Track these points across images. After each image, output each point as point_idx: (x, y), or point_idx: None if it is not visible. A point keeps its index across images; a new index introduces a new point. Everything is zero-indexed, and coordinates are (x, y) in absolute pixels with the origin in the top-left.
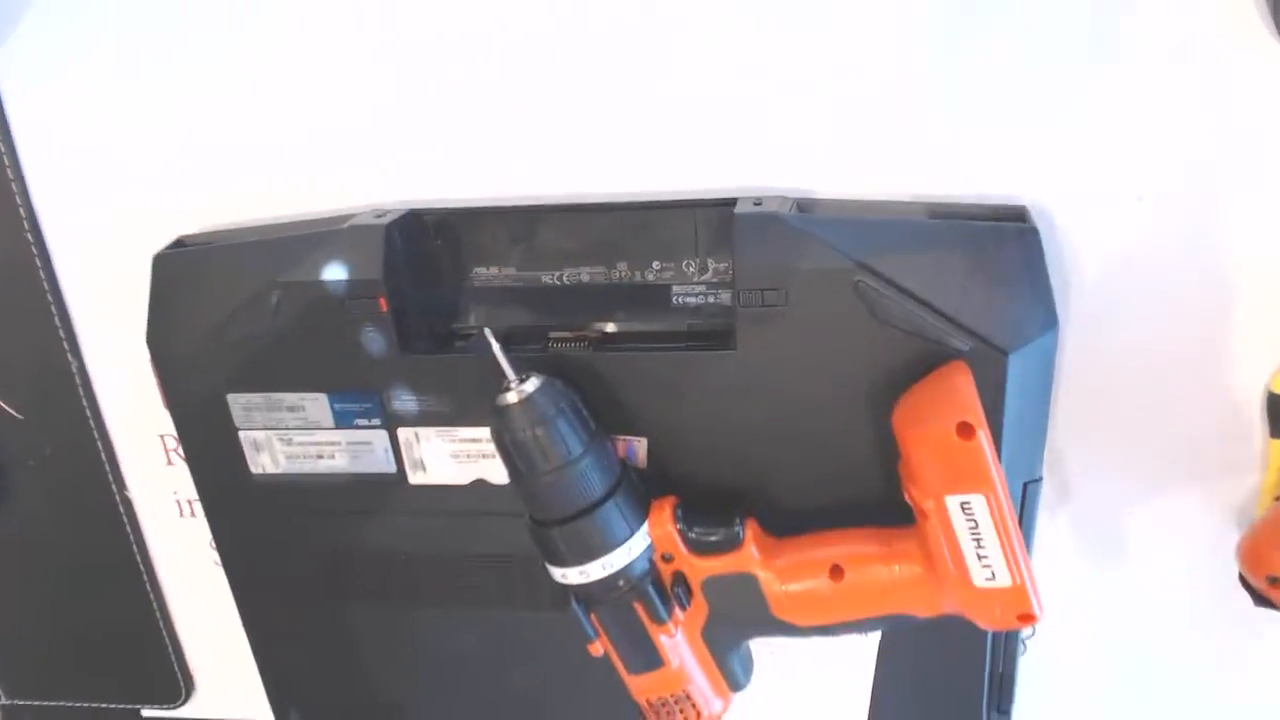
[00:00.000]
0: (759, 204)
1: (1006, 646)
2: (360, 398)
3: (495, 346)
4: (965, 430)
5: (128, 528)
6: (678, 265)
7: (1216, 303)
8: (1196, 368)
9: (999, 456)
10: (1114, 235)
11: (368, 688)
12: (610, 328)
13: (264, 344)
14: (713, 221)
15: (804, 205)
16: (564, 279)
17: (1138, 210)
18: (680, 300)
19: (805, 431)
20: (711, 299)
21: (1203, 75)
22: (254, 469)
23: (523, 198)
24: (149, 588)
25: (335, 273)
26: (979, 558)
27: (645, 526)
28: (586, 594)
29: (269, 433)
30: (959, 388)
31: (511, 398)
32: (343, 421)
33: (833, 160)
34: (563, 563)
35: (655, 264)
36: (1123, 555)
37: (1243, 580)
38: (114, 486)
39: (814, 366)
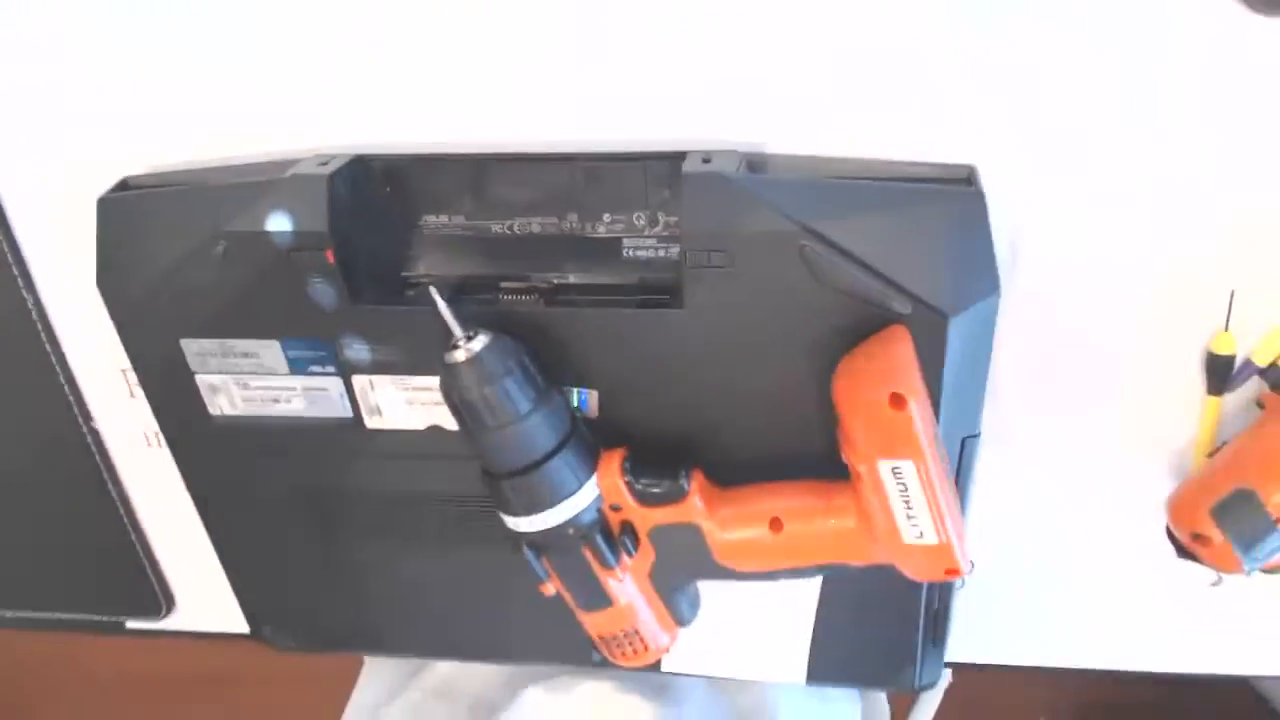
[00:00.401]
0: (708, 161)
1: (943, 583)
2: (313, 345)
3: (441, 305)
4: (897, 401)
5: (97, 457)
6: (628, 218)
7: (1162, 264)
8: (1141, 326)
9: (937, 416)
10: (1064, 197)
11: (338, 610)
12: (561, 279)
13: (213, 292)
14: (663, 175)
15: (754, 162)
16: (515, 229)
17: (1087, 172)
18: (631, 253)
19: (751, 387)
20: (662, 252)
21: (1161, 41)
22: (212, 410)
23: (474, 145)
24: (123, 513)
25: (279, 224)
26: (908, 517)
27: (594, 478)
28: (537, 540)
29: (225, 377)
30: (895, 356)
31: (459, 356)
32: (297, 368)
33: (786, 115)
34: (513, 512)
35: (606, 216)
36: (1061, 501)
37: (1169, 533)
38: (80, 419)
39: (760, 325)
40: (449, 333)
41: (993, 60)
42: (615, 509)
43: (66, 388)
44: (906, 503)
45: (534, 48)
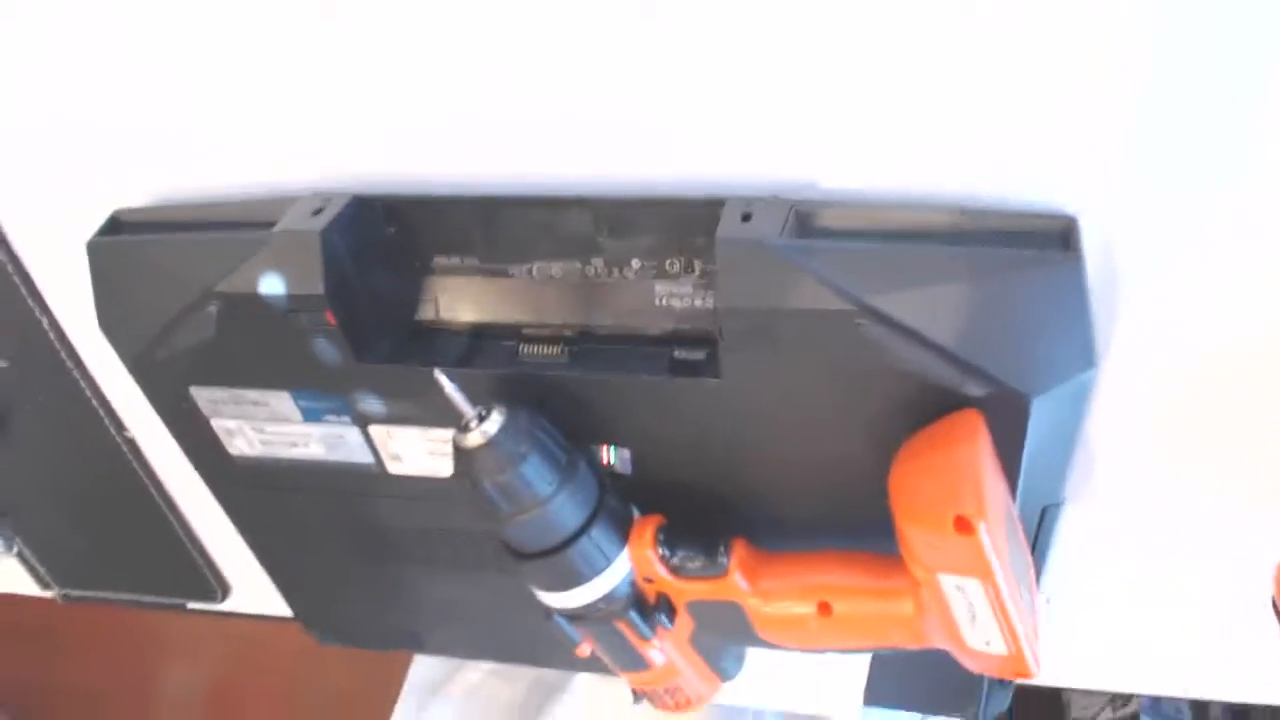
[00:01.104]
0: (748, 218)
1: None
2: (325, 397)
3: (447, 387)
4: (963, 524)
5: (134, 464)
6: (660, 264)
7: None
8: (1261, 389)
9: (1014, 489)
10: (1184, 247)
11: (381, 616)
12: (586, 328)
13: (214, 347)
14: (698, 220)
15: (803, 214)
16: (534, 272)
17: (1209, 225)
18: (664, 301)
19: (798, 459)
20: (698, 302)
21: None
22: (232, 451)
23: (485, 182)
24: (168, 512)
25: (272, 286)
26: (973, 627)
27: (625, 552)
28: (568, 612)
29: (240, 421)
30: (962, 464)
31: (473, 439)
32: (311, 417)
33: (843, 143)
34: (542, 588)
35: (635, 262)
36: (1160, 551)
37: (1275, 605)
38: (113, 429)
39: (809, 401)
40: (459, 412)
41: (1101, 76)
42: (649, 580)
43: (95, 401)
44: (972, 614)
45: (551, 75)
